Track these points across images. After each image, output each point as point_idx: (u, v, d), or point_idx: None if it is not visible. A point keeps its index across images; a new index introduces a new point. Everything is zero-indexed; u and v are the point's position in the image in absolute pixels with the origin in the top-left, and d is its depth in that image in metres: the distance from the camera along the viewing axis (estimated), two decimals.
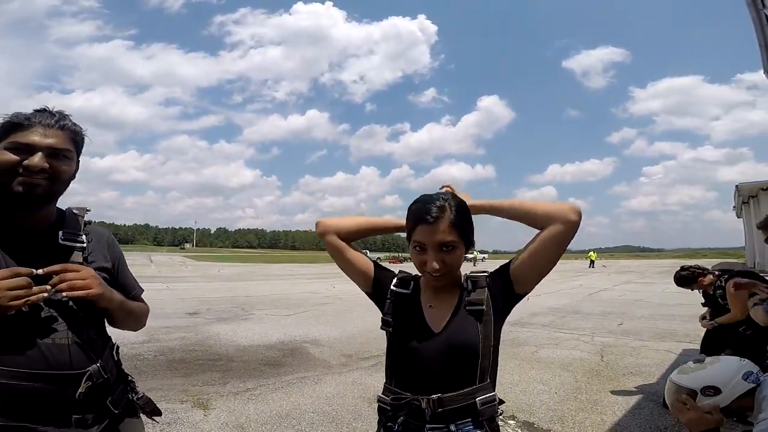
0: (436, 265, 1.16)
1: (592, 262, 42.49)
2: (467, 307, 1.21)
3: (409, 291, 1.29)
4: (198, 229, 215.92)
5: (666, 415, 3.56)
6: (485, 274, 1.27)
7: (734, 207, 28.51)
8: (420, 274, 1.31)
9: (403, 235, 1.31)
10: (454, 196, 1.24)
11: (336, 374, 4.86)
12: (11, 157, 1.07)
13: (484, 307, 1.20)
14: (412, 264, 1.32)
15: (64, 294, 1.07)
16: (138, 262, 40.34)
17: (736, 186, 22.52)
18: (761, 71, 6.90)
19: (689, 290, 4.26)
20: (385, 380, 1.28)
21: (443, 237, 1.15)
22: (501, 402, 1.21)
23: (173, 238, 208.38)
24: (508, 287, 1.24)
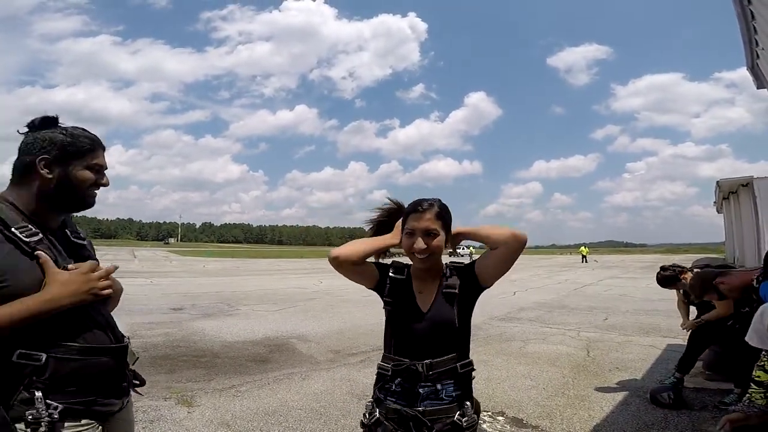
0: (422, 245, 1.46)
1: (584, 257, 41.80)
2: (444, 291, 1.53)
3: (404, 277, 1.59)
4: (183, 224, 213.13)
5: (653, 410, 3.60)
6: (461, 265, 1.59)
7: (715, 203, 29.05)
8: (411, 264, 1.60)
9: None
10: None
11: (324, 370, 4.81)
12: (91, 175, 1.31)
13: (457, 291, 1.53)
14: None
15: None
16: (121, 257, 39.69)
17: (717, 182, 22.85)
18: (739, 69, 7.02)
19: (674, 290, 4.30)
20: (384, 350, 1.58)
21: (429, 224, 1.48)
22: (474, 368, 1.54)
23: (157, 233, 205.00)
24: (473, 281, 1.55)
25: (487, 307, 9.09)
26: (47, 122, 1.30)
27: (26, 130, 1.30)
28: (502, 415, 3.50)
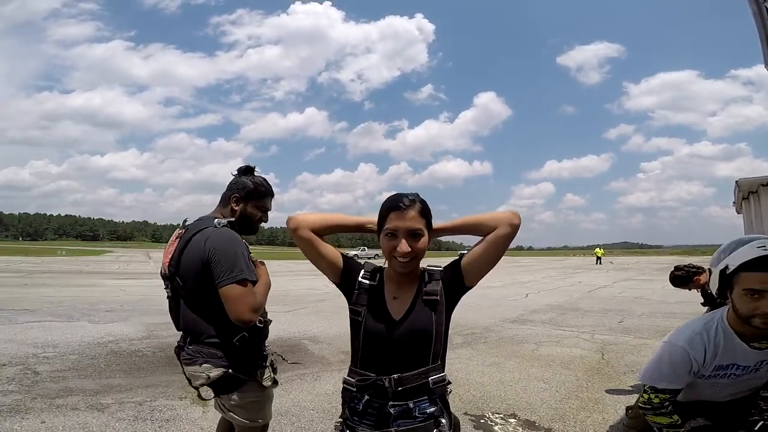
0: (406, 248, 1.31)
1: (598, 258, 40.51)
2: (424, 298, 1.37)
3: (375, 282, 1.43)
4: None
5: None
6: (440, 268, 1.44)
7: (734, 203, 28.42)
8: (384, 267, 1.48)
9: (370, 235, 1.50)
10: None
11: (335, 371, 4.83)
12: (258, 213, 1.97)
13: (438, 298, 1.38)
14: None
15: None
16: (137, 259, 40.26)
17: (736, 182, 22.30)
18: (756, 66, 7.05)
19: (687, 290, 4.23)
20: (350, 363, 1.43)
21: (413, 224, 1.33)
22: (449, 382, 1.38)
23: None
24: (459, 280, 1.41)
25: (499, 309, 9.01)
26: (247, 170, 1.97)
27: (236, 173, 1.97)
28: (515, 418, 3.47)
